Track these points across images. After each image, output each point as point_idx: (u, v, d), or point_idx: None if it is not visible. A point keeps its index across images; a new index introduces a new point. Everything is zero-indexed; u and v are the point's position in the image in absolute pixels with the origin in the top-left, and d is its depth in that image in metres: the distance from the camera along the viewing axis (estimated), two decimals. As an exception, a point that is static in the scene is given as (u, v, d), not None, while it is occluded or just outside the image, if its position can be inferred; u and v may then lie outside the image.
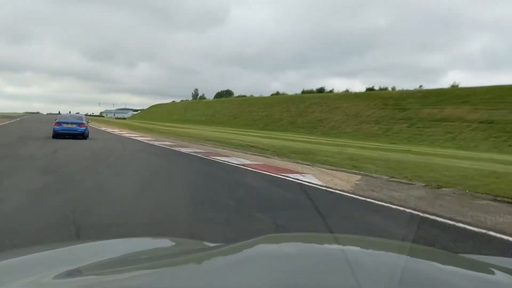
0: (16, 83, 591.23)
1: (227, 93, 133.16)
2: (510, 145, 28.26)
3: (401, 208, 5.73)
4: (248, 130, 50.16)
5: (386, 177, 8.79)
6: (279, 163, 11.43)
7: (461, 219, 5.13)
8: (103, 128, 35.59)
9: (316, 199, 6.53)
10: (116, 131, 30.84)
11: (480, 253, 3.70)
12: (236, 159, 11.90)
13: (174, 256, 1.25)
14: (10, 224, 4.17)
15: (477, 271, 1.12)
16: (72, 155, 11.94)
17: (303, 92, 77.71)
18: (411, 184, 8.01)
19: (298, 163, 11.58)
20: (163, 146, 16.17)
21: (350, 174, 9.26)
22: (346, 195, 6.75)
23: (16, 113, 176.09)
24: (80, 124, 19.49)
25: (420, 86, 60.32)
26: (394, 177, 8.78)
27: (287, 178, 8.47)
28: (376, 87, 67.46)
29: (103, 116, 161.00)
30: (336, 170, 9.91)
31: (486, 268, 1.13)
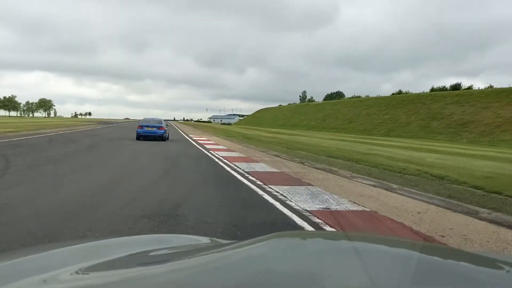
0: (137, 91, 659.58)
1: (338, 95, 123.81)
2: None
3: None
4: (368, 137, 41.44)
5: None
6: None
7: None
8: (191, 135, 29.76)
9: None
10: (203, 140, 24.36)
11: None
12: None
13: (186, 253, 1.19)
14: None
15: (491, 268, 1.08)
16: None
17: (432, 89, 64.64)
18: None
19: None
20: (252, 179, 8.06)
21: None
22: None
23: (115, 119, 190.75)
24: (159, 127, 20.83)
25: None
26: None
27: None
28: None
29: (211, 122, 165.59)
30: None
31: (499, 266, 1.07)
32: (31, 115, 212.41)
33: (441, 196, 6.69)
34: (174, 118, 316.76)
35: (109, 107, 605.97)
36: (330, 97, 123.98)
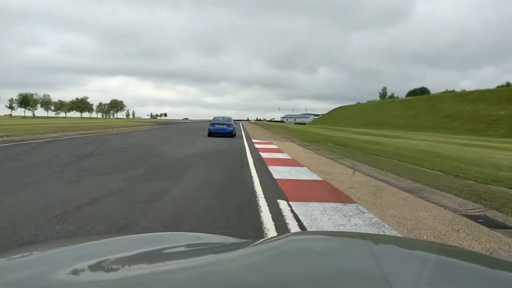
0: (213, 93, 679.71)
1: (422, 91, 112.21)
2: None
3: None
4: (483, 138, 33.76)
5: None
6: None
7: None
8: (254, 140, 21.37)
9: None
10: (267, 151, 18.88)
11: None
12: None
13: (200, 251, 1.16)
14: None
15: (508, 271, 1.02)
16: None
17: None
18: None
19: None
20: None
21: None
22: None
23: (175, 119, 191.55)
24: (229, 125, 22.25)
25: None
26: None
27: None
28: None
29: (283, 122, 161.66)
30: None
31: None
32: (110, 116, 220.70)
33: None
34: (248, 118, 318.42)
35: (185, 109, 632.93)
36: (413, 93, 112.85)
